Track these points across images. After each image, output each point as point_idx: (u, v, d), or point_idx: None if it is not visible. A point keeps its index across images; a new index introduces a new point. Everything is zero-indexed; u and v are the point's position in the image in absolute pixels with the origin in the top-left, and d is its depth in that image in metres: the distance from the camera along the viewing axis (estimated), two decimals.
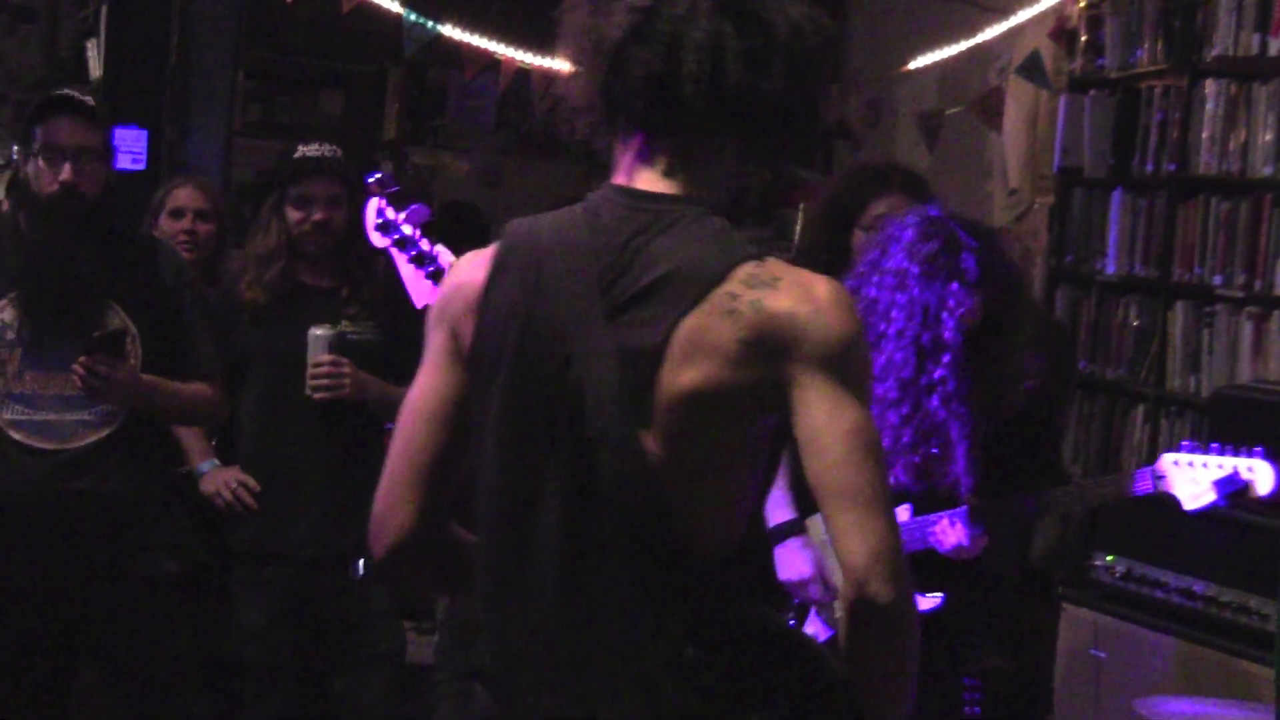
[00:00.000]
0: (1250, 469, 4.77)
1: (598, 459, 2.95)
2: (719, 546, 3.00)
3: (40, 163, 4.98)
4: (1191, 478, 4.81)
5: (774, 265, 2.93)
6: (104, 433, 5.08)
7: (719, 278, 2.91)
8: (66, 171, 4.95)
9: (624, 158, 3.07)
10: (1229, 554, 5.25)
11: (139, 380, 5.03)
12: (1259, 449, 4.62)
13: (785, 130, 3.10)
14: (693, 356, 2.88)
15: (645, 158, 3.04)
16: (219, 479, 5.55)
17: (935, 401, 4.51)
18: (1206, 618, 5.28)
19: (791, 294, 2.90)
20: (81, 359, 4.85)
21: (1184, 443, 4.85)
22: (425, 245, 4.90)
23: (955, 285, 4.22)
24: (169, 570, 5.24)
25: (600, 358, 2.95)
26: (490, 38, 8.02)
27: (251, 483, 5.51)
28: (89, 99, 5.19)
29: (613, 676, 2.95)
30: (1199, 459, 4.73)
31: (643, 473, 2.94)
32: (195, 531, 5.50)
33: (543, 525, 2.99)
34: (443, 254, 4.87)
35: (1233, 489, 4.75)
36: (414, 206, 4.95)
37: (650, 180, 3.04)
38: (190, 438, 5.67)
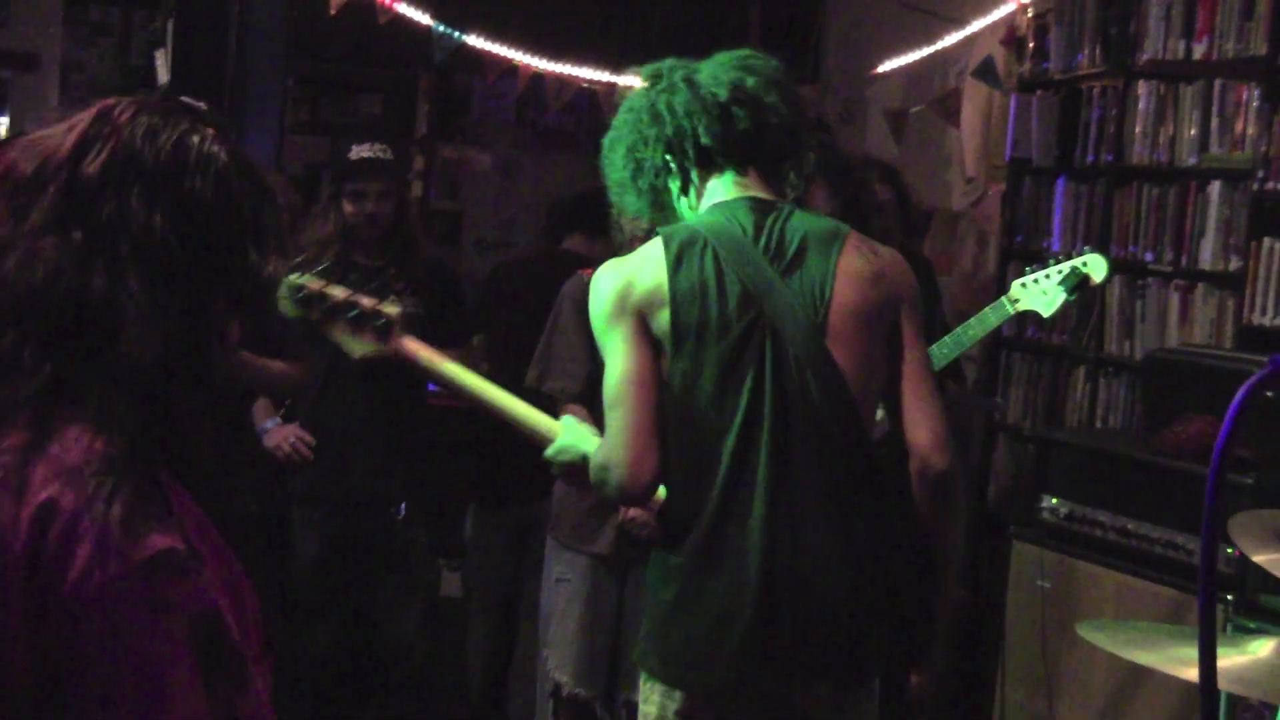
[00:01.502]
0: (1085, 263, 5.04)
1: (803, 377, 3.62)
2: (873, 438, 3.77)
3: None
4: (1040, 291, 5.05)
5: (859, 235, 3.86)
6: None
7: (844, 235, 3.79)
8: None
9: (721, 181, 3.84)
10: (1158, 497, 5.26)
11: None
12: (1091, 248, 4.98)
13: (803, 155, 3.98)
14: (849, 282, 3.70)
15: (746, 177, 3.84)
16: (280, 435, 5.64)
17: None
18: (1139, 552, 5.29)
19: (890, 253, 3.90)
20: None
21: (1028, 268, 5.30)
22: None
23: None
24: (251, 510, 5.35)
25: (786, 303, 3.64)
26: (509, 45, 8.04)
27: (308, 438, 5.58)
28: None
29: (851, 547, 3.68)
30: (1040, 273, 5.14)
31: (835, 377, 3.64)
32: (263, 480, 5.60)
33: (763, 439, 3.61)
34: None
35: (1076, 282, 5.16)
36: None
37: (758, 191, 3.84)
38: (250, 371, 5.71)
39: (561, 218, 6.80)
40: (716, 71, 3.84)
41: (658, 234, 3.80)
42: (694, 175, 3.84)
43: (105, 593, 1.85)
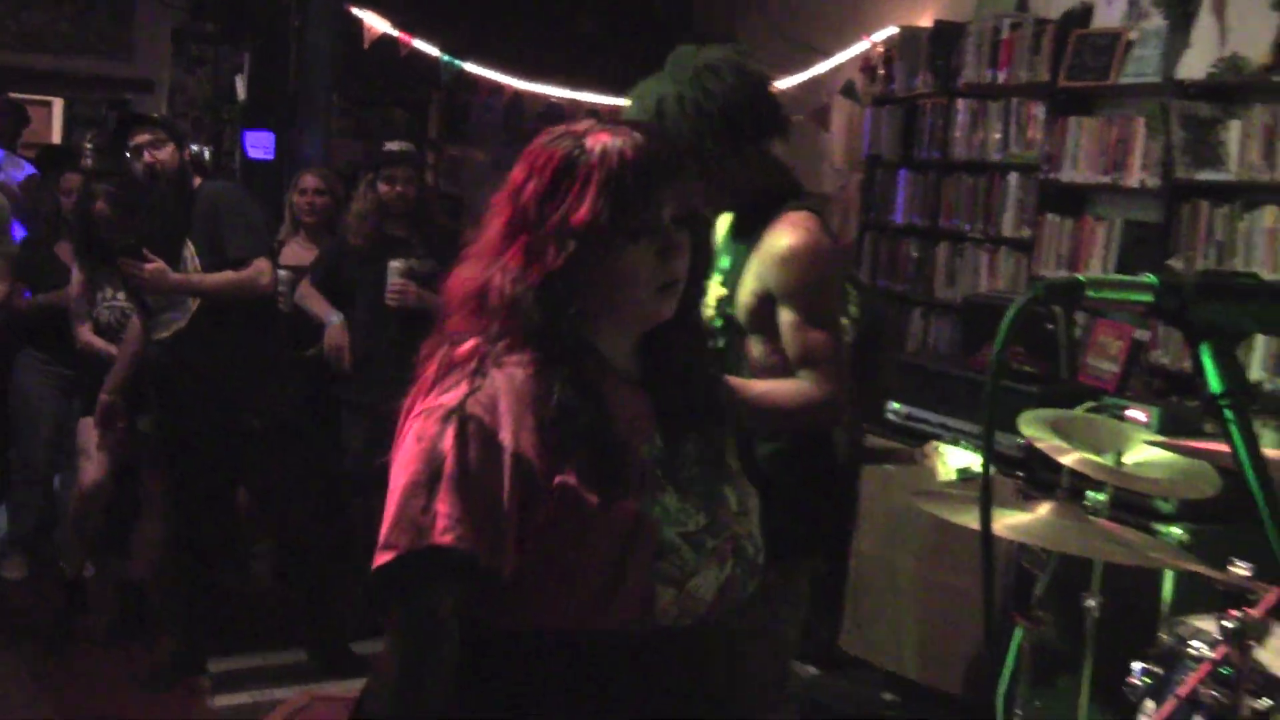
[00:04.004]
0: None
1: None
2: None
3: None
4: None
5: None
6: (183, 324, 5.15)
7: None
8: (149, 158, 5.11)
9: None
10: (971, 402, 5.19)
11: (166, 274, 5.02)
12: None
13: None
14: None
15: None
16: (332, 338, 5.62)
17: None
18: (956, 442, 5.36)
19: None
20: (118, 261, 4.97)
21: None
22: None
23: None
24: (253, 425, 5.32)
25: None
26: (497, 70, 8.10)
27: (346, 354, 5.57)
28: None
29: None
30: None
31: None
32: (283, 395, 5.48)
33: None
34: None
35: None
36: None
37: None
38: (314, 302, 5.68)
39: None
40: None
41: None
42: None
43: None
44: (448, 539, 1.84)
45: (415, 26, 7.74)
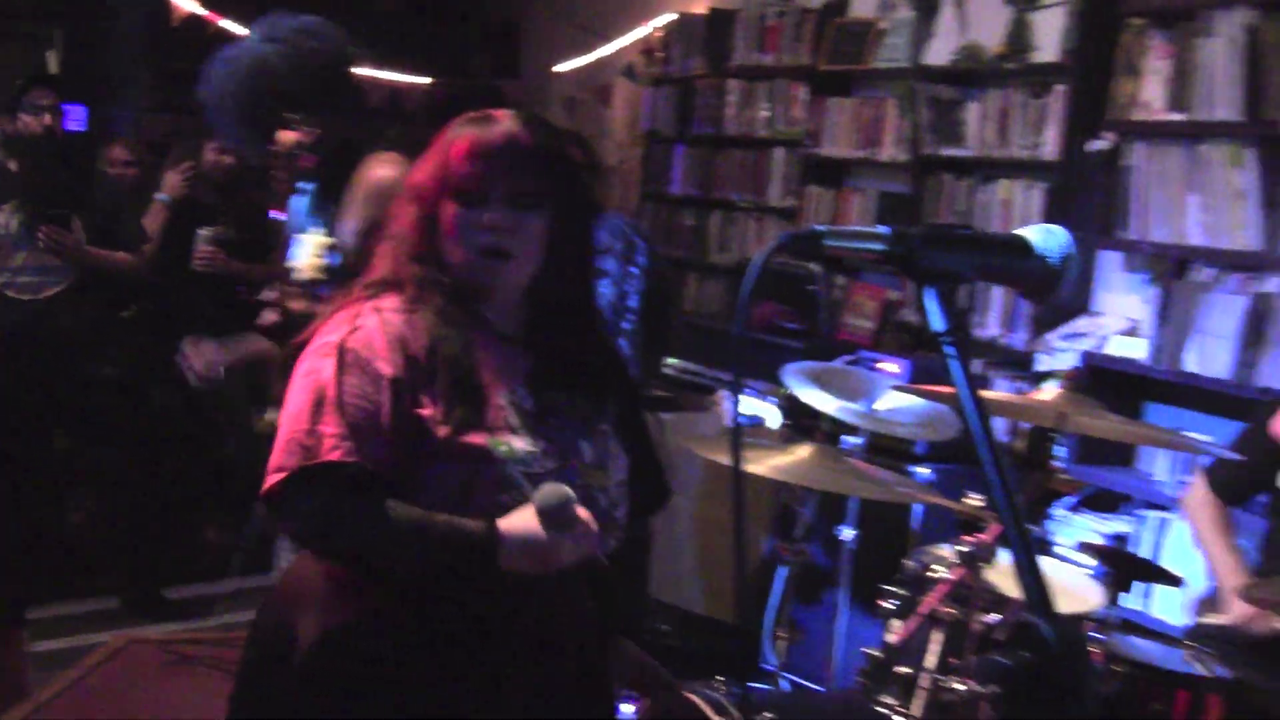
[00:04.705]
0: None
1: None
2: None
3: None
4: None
5: None
6: (60, 288, 4.99)
7: None
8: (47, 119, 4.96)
9: None
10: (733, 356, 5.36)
11: (82, 245, 4.95)
12: None
13: None
14: None
15: None
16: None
17: (623, 341, 4.48)
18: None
19: None
20: (41, 228, 4.82)
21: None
22: None
23: (634, 269, 4.01)
24: (108, 374, 5.20)
25: None
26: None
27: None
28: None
29: None
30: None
31: None
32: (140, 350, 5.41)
33: None
34: None
35: None
36: None
37: None
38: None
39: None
40: None
41: None
42: None
43: None
44: (335, 455, 1.95)
45: (223, 5, 7.55)
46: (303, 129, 3.34)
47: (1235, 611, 3.43)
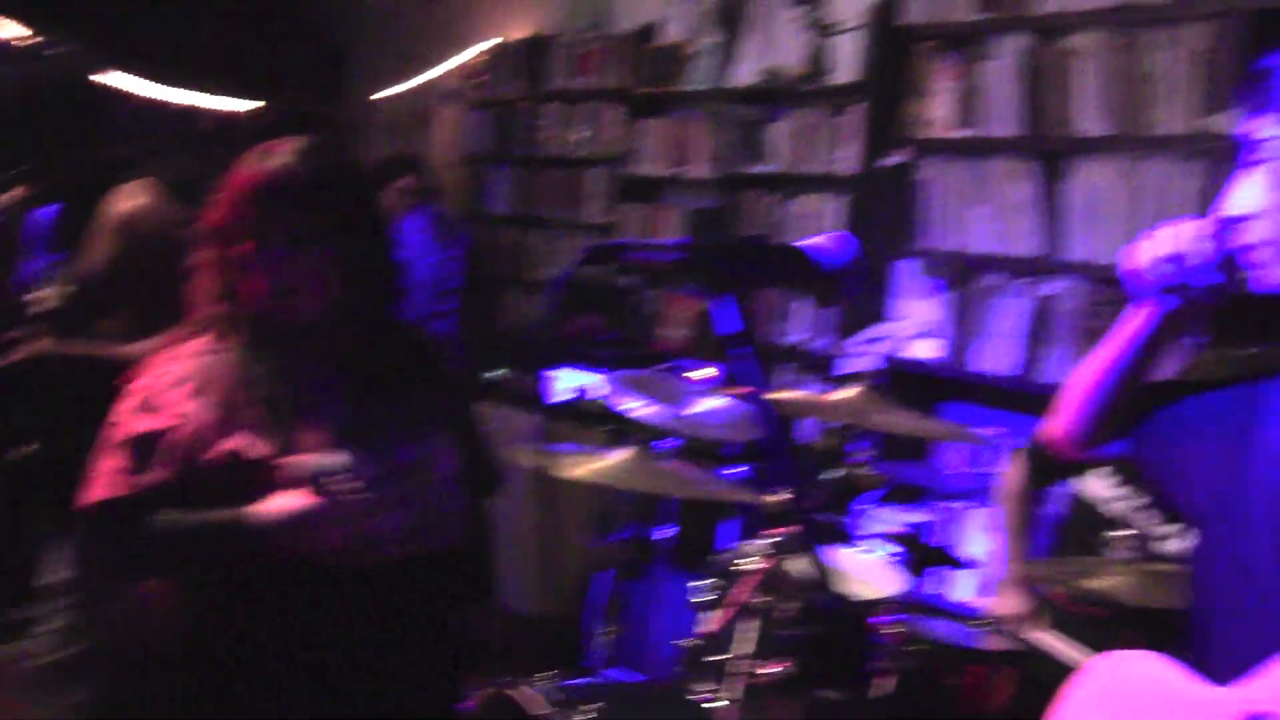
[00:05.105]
0: None
1: None
2: None
3: None
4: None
5: None
6: None
7: None
8: None
9: None
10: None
11: None
12: None
13: None
14: None
15: None
16: None
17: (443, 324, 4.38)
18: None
19: None
20: None
21: None
22: None
23: (455, 251, 3.89)
24: None
25: None
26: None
27: None
28: None
29: None
30: None
31: None
32: None
33: None
34: None
35: None
36: None
37: None
38: None
39: None
40: None
41: None
42: None
43: None
44: (104, 492, 2.02)
45: (51, 30, 7.32)
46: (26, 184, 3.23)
47: (1002, 605, 3.47)
